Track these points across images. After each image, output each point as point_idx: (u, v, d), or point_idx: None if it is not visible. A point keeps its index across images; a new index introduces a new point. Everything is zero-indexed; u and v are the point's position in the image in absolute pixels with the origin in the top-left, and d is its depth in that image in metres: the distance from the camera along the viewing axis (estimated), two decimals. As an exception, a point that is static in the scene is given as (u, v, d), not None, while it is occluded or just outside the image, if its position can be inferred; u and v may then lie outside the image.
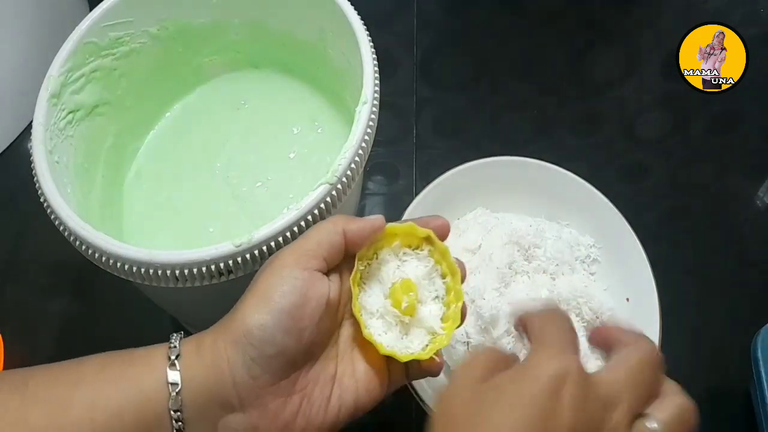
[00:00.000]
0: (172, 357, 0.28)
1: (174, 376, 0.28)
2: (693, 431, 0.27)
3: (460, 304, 0.32)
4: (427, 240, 0.33)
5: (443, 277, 0.33)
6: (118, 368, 0.28)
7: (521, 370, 0.27)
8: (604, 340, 0.31)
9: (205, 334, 0.30)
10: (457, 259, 0.33)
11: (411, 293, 0.32)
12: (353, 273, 0.31)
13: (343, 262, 0.32)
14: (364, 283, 0.33)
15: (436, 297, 0.33)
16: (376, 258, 0.33)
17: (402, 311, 0.32)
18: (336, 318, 0.32)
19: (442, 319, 0.33)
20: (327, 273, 0.31)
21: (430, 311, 0.33)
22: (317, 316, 0.29)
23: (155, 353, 0.29)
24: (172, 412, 0.27)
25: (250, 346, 0.28)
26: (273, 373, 0.28)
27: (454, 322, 0.32)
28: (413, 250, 0.33)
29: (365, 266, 0.33)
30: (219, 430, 0.28)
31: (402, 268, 0.33)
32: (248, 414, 0.28)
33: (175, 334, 0.30)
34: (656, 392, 0.28)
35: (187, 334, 0.31)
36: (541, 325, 0.29)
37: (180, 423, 0.28)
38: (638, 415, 0.27)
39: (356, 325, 0.32)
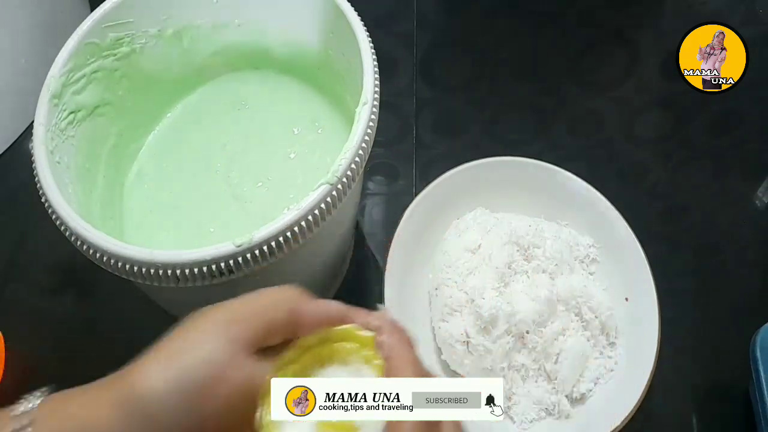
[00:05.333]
0: (16, 427, 0.22)
1: None
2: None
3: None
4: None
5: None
6: None
7: None
8: None
9: (80, 391, 0.24)
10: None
11: None
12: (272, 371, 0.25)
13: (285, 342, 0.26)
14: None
15: None
16: (319, 363, 0.26)
17: None
18: (256, 403, 0.25)
19: None
20: (264, 349, 0.25)
21: None
22: (228, 403, 0.23)
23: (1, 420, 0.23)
24: None
25: (138, 416, 0.22)
26: None
27: None
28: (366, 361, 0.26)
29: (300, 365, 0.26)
30: None
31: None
32: None
33: (37, 392, 0.24)
34: None
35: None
36: None
37: None
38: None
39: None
